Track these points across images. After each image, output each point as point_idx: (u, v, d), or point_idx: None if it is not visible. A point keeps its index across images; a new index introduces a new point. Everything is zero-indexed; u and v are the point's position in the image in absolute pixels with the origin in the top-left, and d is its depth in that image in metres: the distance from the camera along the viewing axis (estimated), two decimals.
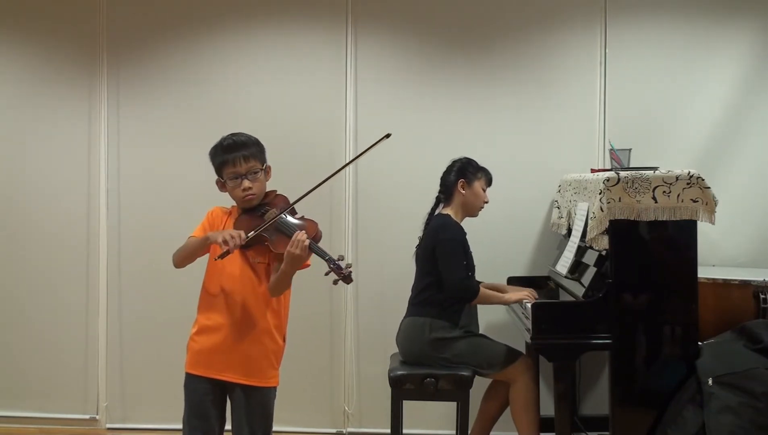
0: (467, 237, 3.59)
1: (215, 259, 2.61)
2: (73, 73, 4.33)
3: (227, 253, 2.56)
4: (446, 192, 3.66)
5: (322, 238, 2.71)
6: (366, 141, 4.19)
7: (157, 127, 4.31)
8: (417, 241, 3.70)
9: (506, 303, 3.62)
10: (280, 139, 4.13)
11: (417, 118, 4.20)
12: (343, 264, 2.54)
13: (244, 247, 2.70)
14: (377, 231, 4.21)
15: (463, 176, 3.61)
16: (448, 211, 3.63)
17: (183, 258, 2.76)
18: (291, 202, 2.76)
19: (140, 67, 4.32)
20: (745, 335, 3.14)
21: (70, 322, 4.34)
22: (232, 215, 2.83)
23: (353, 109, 4.22)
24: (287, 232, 2.65)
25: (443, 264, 3.45)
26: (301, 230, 2.61)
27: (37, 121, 4.36)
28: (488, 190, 3.69)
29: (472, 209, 3.65)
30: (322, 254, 2.57)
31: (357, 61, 4.22)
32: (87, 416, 4.33)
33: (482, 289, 3.50)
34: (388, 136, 2.72)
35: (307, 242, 2.55)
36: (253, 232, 2.63)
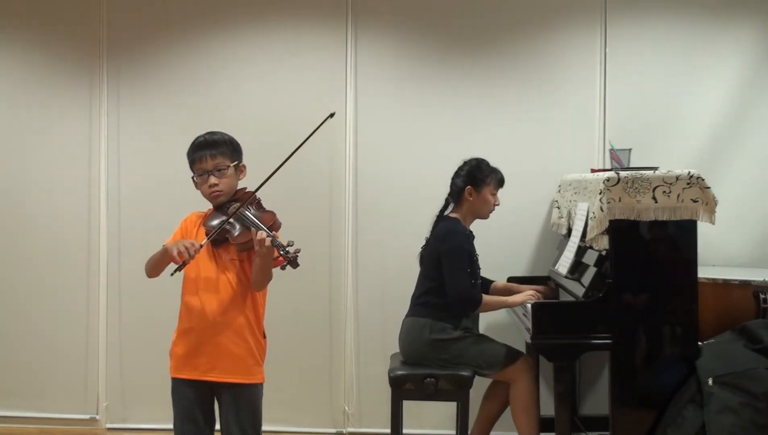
0: (475, 240, 3.59)
1: (171, 275, 2.61)
2: (73, 73, 4.34)
3: (184, 264, 2.58)
4: (455, 196, 3.62)
5: (281, 226, 2.74)
6: (366, 140, 4.22)
7: (157, 125, 4.31)
8: (420, 241, 3.69)
9: (511, 306, 3.60)
10: (279, 138, 4.10)
11: (417, 117, 4.20)
12: (291, 249, 2.58)
13: (215, 246, 2.73)
14: (377, 230, 4.21)
15: (472, 183, 3.56)
16: (456, 214, 3.60)
17: (151, 268, 2.77)
18: (257, 197, 2.78)
19: (140, 66, 4.32)
20: (745, 335, 3.14)
21: (70, 322, 4.34)
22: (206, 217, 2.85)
23: (353, 108, 4.22)
24: (247, 223, 2.68)
25: (448, 274, 3.43)
26: (260, 222, 2.65)
27: (38, 120, 4.36)
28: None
29: (481, 214, 3.62)
30: (277, 245, 2.60)
31: (357, 60, 4.22)
32: (87, 416, 4.33)
33: (485, 298, 3.49)
34: (332, 115, 2.74)
35: (269, 241, 2.58)
36: (215, 230, 2.67)
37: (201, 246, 2.61)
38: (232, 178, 2.82)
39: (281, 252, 2.58)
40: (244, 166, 2.87)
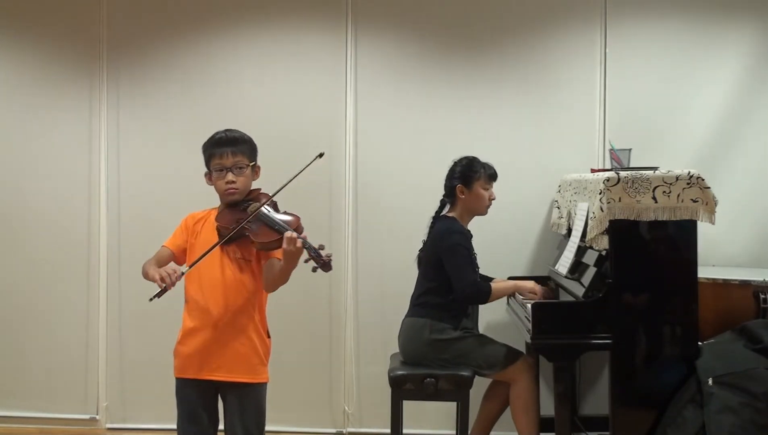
0: (476, 240, 3.59)
1: (149, 300, 2.58)
2: (73, 73, 4.33)
3: (164, 290, 2.55)
4: (449, 195, 3.64)
5: (303, 231, 2.72)
6: (366, 140, 4.22)
7: (156, 126, 4.31)
8: (419, 242, 3.69)
9: (520, 289, 3.56)
10: (279, 139, 4.14)
11: (417, 117, 4.20)
12: (323, 252, 2.58)
13: (226, 243, 2.72)
14: (377, 230, 4.21)
15: (462, 180, 3.57)
16: (453, 213, 3.61)
17: (144, 275, 2.74)
18: (273, 197, 2.78)
19: (140, 67, 4.32)
20: (745, 335, 3.14)
21: (70, 322, 4.34)
22: (210, 216, 2.83)
23: (353, 109, 4.22)
24: (270, 223, 2.68)
25: (452, 271, 3.43)
26: (286, 224, 2.65)
27: (38, 120, 4.36)
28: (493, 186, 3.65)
29: (477, 211, 3.62)
30: (308, 247, 2.60)
31: (357, 61, 4.22)
32: (87, 416, 4.33)
33: (494, 286, 3.48)
34: (321, 155, 2.73)
35: (300, 242, 2.57)
36: (235, 228, 2.67)
37: (183, 273, 2.60)
38: (248, 178, 2.82)
39: (313, 254, 2.57)
40: (259, 168, 2.87)
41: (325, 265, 2.57)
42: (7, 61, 4.39)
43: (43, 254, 4.35)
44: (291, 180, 2.70)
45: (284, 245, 2.57)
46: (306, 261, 2.61)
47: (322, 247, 2.59)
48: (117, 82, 4.32)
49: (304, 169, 2.72)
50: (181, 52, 4.31)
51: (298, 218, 2.74)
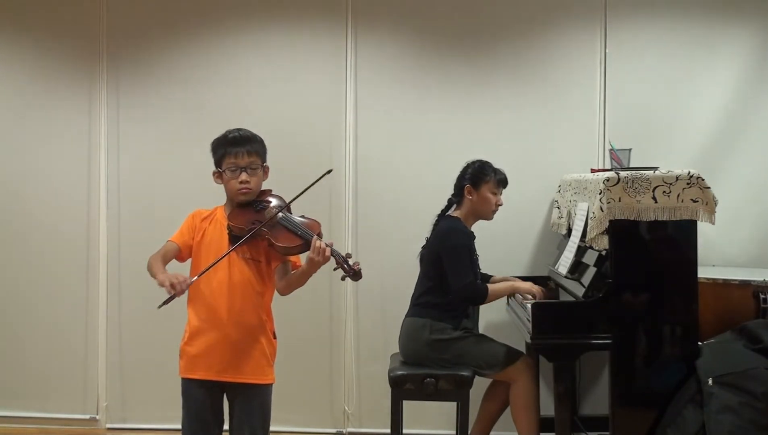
0: (476, 240, 3.59)
1: (158, 307, 2.54)
2: (73, 73, 4.33)
3: (172, 298, 2.53)
4: (457, 195, 3.65)
5: (323, 236, 2.74)
6: (366, 141, 4.22)
7: (156, 126, 4.31)
8: (420, 241, 3.70)
9: (517, 290, 3.57)
10: (279, 139, 4.08)
11: (416, 117, 4.20)
12: (351, 261, 2.61)
13: (234, 244, 2.71)
14: (377, 230, 4.21)
15: (471, 181, 3.58)
16: (458, 214, 3.62)
17: (150, 274, 2.71)
18: (287, 201, 2.79)
19: (140, 67, 4.32)
20: (745, 335, 3.14)
21: (70, 321, 4.34)
22: (215, 215, 2.82)
23: (353, 109, 4.22)
24: (292, 228, 2.68)
25: (450, 270, 3.43)
26: (306, 229, 2.66)
27: (38, 120, 4.36)
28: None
29: (482, 214, 3.63)
30: (337, 255, 2.62)
31: (357, 61, 4.22)
32: (87, 416, 4.33)
33: (491, 287, 3.49)
34: (329, 171, 2.77)
35: (329, 251, 2.58)
36: (254, 229, 2.66)
37: (191, 282, 2.58)
38: (260, 178, 2.81)
39: (341, 261, 2.59)
40: (268, 168, 2.86)
41: (355, 274, 2.61)
42: (6, 62, 4.39)
43: (43, 254, 4.35)
44: (303, 192, 2.71)
45: (311, 254, 2.59)
46: (335, 269, 2.63)
47: (349, 256, 2.62)
48: (117, 82, 4.32)
49: (314, 183, 2.73)
50: (181, 52, 4.30)
51: (318, 223, 2.74)
